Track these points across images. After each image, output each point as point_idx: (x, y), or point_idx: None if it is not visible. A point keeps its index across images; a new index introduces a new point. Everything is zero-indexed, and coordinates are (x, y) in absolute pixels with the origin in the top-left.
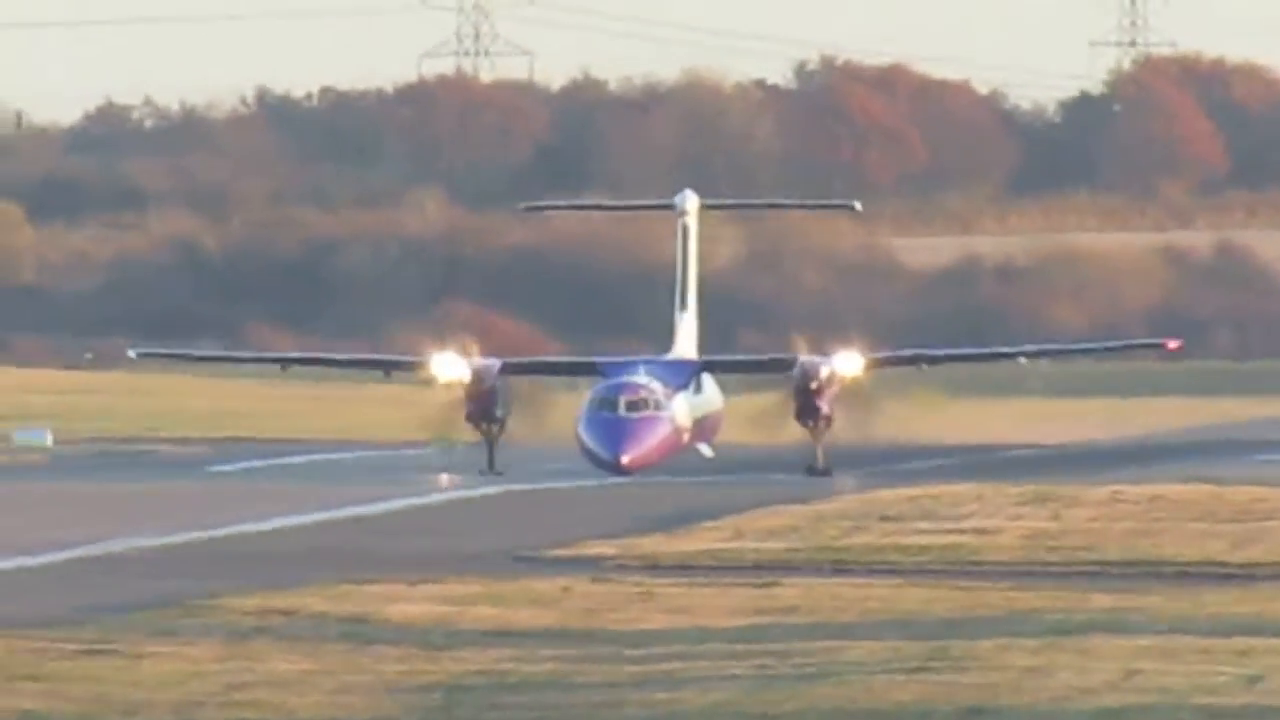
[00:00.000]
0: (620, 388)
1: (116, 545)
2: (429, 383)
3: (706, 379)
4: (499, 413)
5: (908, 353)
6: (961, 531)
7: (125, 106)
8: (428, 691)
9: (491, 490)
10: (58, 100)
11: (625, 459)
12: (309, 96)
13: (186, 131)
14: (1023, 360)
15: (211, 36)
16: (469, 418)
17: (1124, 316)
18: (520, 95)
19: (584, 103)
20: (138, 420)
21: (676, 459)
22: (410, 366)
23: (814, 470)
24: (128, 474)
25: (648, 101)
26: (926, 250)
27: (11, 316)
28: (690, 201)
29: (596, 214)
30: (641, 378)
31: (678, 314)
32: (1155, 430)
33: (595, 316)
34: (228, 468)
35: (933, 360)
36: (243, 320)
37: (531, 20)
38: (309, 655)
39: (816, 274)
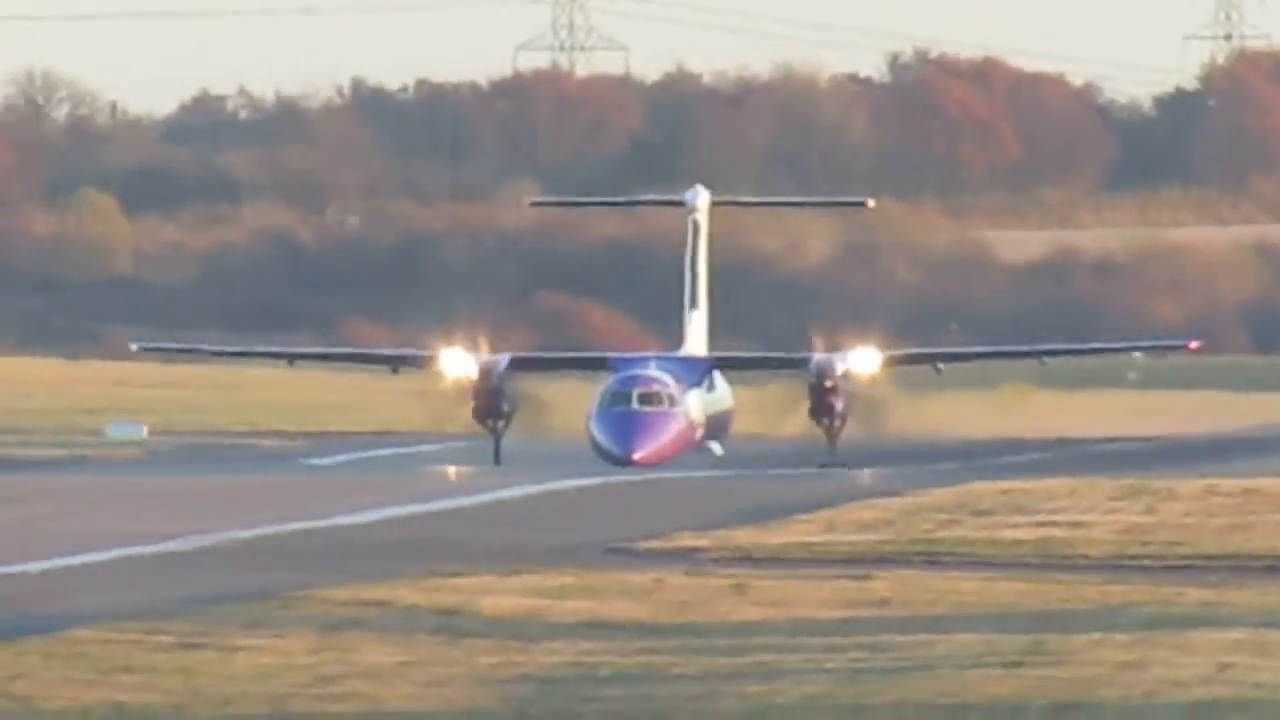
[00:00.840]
0: (634, 381)
1: (211, 538)
2: (437, 379)
3: (718, 377)
4: (505, 408)
5: (925, 350)
6: (1055, 525)
7: (220, 97)
8: (520, 683)
9: (586, 482)
10: (153, 91)
11: (637, 454)
12: (404, 89)
13: (281, 123)
14: (1044, 360)
15: (307, 28)
16: (475, 414)
17: (1219, 310)
18: (614, 89)
19: (678, 96)
20: (233, 413)
21: (687, 457)
22: (418, 362)
23: (829, 465)
24: (223, 467)
25: (742, 95)
26: (1021, 244)
27: (106, 308)
28: (701, 198)
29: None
30: (655, 372)
31: (688, 312)
32: (1250, 424)
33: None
34: (324, 461)
35: (950, 359)
36: (338, 314)
37: (626, 14)
38: (401, 647)
39: (910, 268)
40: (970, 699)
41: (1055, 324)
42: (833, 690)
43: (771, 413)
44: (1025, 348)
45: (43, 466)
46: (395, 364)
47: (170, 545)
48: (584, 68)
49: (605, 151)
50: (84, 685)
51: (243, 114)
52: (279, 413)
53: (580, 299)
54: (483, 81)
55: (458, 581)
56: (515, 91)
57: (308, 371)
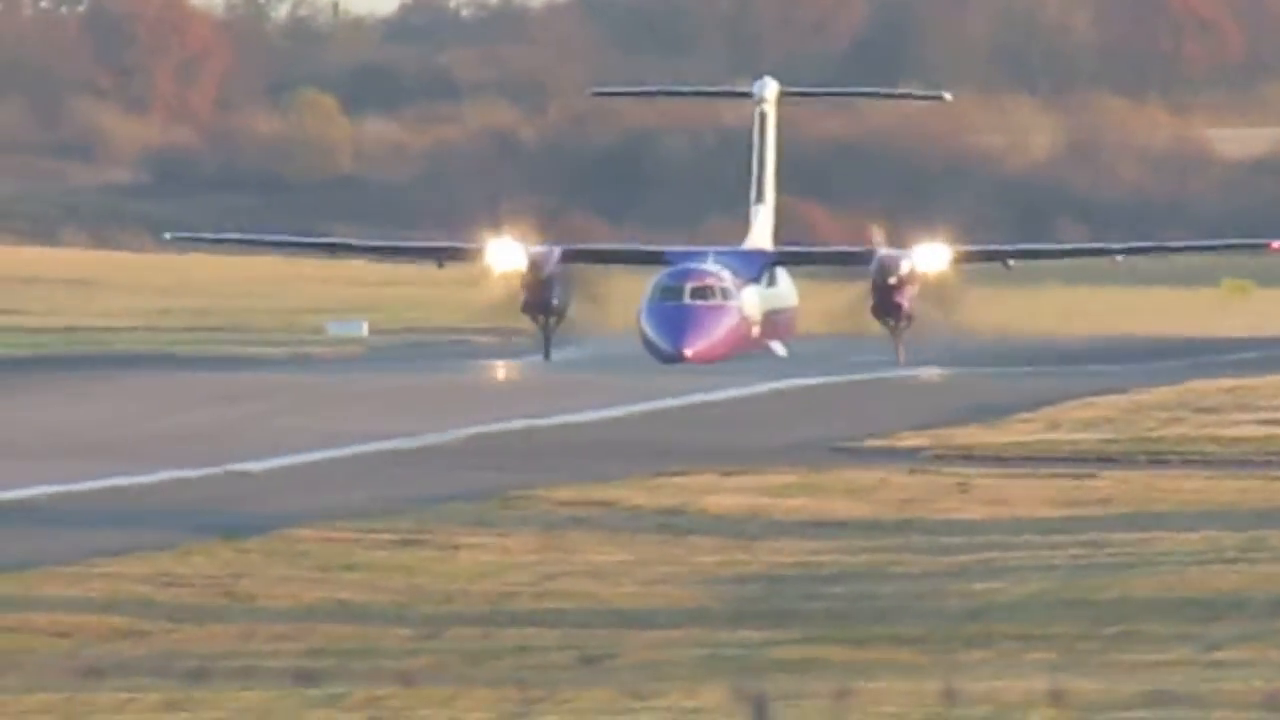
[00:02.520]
0: (686, 274)
1: (431, 437)
2: (485, 271)
3: (781, 274)
4: (556, 303)
5: (993, 248)
6: (1278, 423)
7: None
8: (742, 582)
9: (811, 381)
10: None
11: (689, 350)
12: None
13: (503, 21)
14: (1118, 259)
15: None
16: (525, 308)
17: None
18: None
19: None
20: (453, 312)
21: (747, 357)
22: (466, 254)
23: (895, 366)
24: (443, 365)
25: None
26: (1243, 141)
27: (328, 207)
28: (769, 89)
29: (913, 103)
30: (710, 265)
31: (754, 205)
32: None
33: (909, 207)
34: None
35: (1020, 255)
36: (560, 212)
37: None
38: (624, 547)
39: (1132, 165)
40: (1193, 594)
41: (1277, 221)
42: (1055, 587)
43: (842, 318)
44: (1102, 245)
45: (265, 364)
46: (441, 256)
47: (390, 444)
48: None
49: (828, 49)
50: (306, 583)
51: (464, 12)
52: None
53: (804, 198)
54: None
55: (680, 480)
56: None
57: None
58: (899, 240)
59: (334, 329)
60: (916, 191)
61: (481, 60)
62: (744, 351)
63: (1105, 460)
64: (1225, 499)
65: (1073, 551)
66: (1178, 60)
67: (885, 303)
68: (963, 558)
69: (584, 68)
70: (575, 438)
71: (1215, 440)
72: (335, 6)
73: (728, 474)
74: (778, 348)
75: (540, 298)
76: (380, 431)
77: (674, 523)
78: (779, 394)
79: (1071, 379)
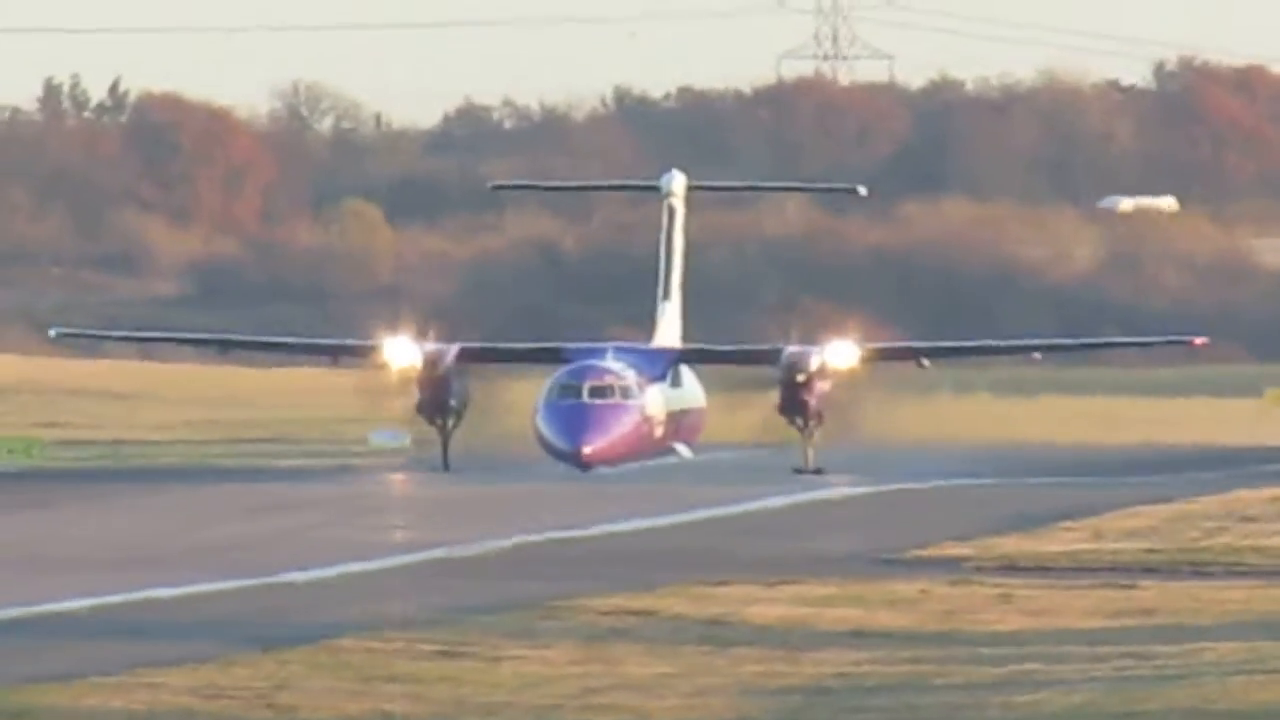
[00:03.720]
0: (584, 371)
1: (474, 547)
2: (380, 369)
3: (686, 373)
4: (453, 403)
5: (904, 345)
6: None
7: (484, 107)
8: (786, 694)
9: (851, 491)
10: (417, 101)
11: (587, 449)
12: (667, 97)
13: (545, 132)
14: (1036, 355)
15: (570, 37)
16: (420, 408)
17: None
18: (879, 96)
19: (941, 104)
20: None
21: (650, 463)
22: (360, 351)
23: (802, 471)
24: (486, 475)
25: (1006, 102)
26: None
27: (370, 317)
28: (676, 182)
29: (956, 214)
30: (610, 362)
31: (660, 303)
32: None
33: (954, 316)
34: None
35: (933, 354)
36: (603, 322)
37: (889, 22)
38: (667, 658)
39: (1175, 275)
40: (1236, 706)
41: None
42: (1098, 699)
43: (755, 428)
44: (1019, 342)
45: (308, 476)
46: (335, 353)
47: (432, 554)
48: (847, 76)
49: (869, 159)
50: (348, 695)
51: (507, 124)
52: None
53: (846, 307)
54: (746, 89)
55: (723, 591)
56: (779, 99)
57: None
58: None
59: (376, 439)
60: (962, 299)
61: (523, 171)
62: (646, 453)
63: (1149, 570)
64: (1269, 609)
65: (1115, 663)
66: (1220, 170)
67: (792, 401)
68: (1005, 669)
69: (625, 178)
70: (616, 547)
71: (1259, 550)
72: (378, 118)
73: (770, 584)
74: (683, 449)
75: (436, 397)
76: (421, 541)
77: (717, 633)
78: (821, 504)
79: (1117, 489)
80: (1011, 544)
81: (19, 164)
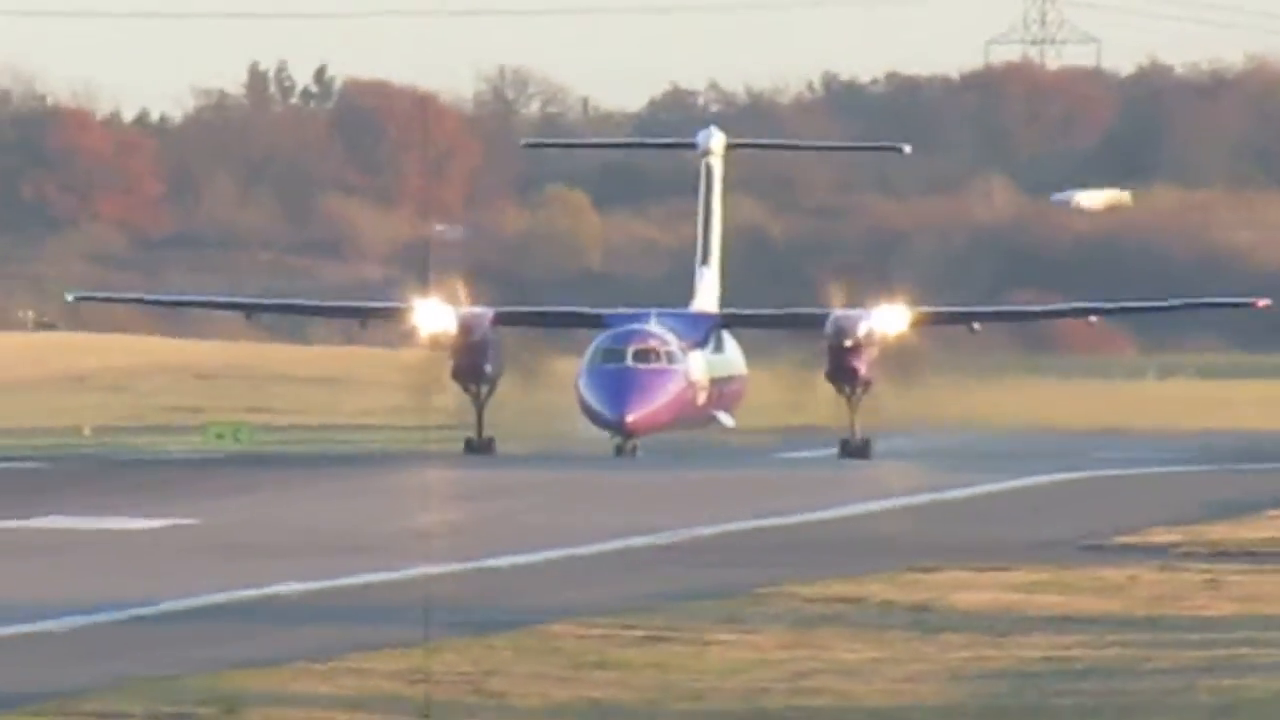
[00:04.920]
0: (628, 335)
1: (682, 533)
2: (411, 334)
3: (728, 339)
4: (489, 369)
5: (956, 310)
6: None
7: (691, 92)
8: (993, 679)
9: (1056, 477)
10: (624, 86)
11: (631, 417)
12: (874, 82)
13: (751, 117)
14: (1092, 319)
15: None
16: (455, 374)
17: None
18: (1087, 82)
19: (1150, 89)
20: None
21: (694, 432)
22: (390, 314)
23: (849, 447)
24: (696, 462)
25: (1214, 87)
26: None
27: (576, 302)
28: (715, 140)
29: (1164, 200)
30: (653, 327)
31: (698, 267)
32: None
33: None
34: (795, 455)
35: (986, 318)
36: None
37: (1097, 6)
38: (874, 643)
39: None
40: None
41: None
42: None
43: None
44: (1074, 305)
45: (518, 462)
46: (364, 316)
47: (642, 540)
48: (1055, 61)
49: (1076, 144)
50: (556, 681)
51: (713, 108)
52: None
53: (1054, 296)
54: (954, 74)
55: (929, 577)
56: (986, 84)
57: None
58: (1153, 343)
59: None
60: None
61: (729, 159)
62: (689, 421)
63: None
64: None
65: None
66: None
67: (840, 367)
68: (1213, 654)
69: (832, 163)
70: (822, 534)
71: None
72: (585, 103)
73: (977, 570)
74: (725, 418)
75: (472, 363)
76: (630, 528)
77: (924, 619)
78: (1027, 490)
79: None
80: (1220, 530)
81: (226, 150)
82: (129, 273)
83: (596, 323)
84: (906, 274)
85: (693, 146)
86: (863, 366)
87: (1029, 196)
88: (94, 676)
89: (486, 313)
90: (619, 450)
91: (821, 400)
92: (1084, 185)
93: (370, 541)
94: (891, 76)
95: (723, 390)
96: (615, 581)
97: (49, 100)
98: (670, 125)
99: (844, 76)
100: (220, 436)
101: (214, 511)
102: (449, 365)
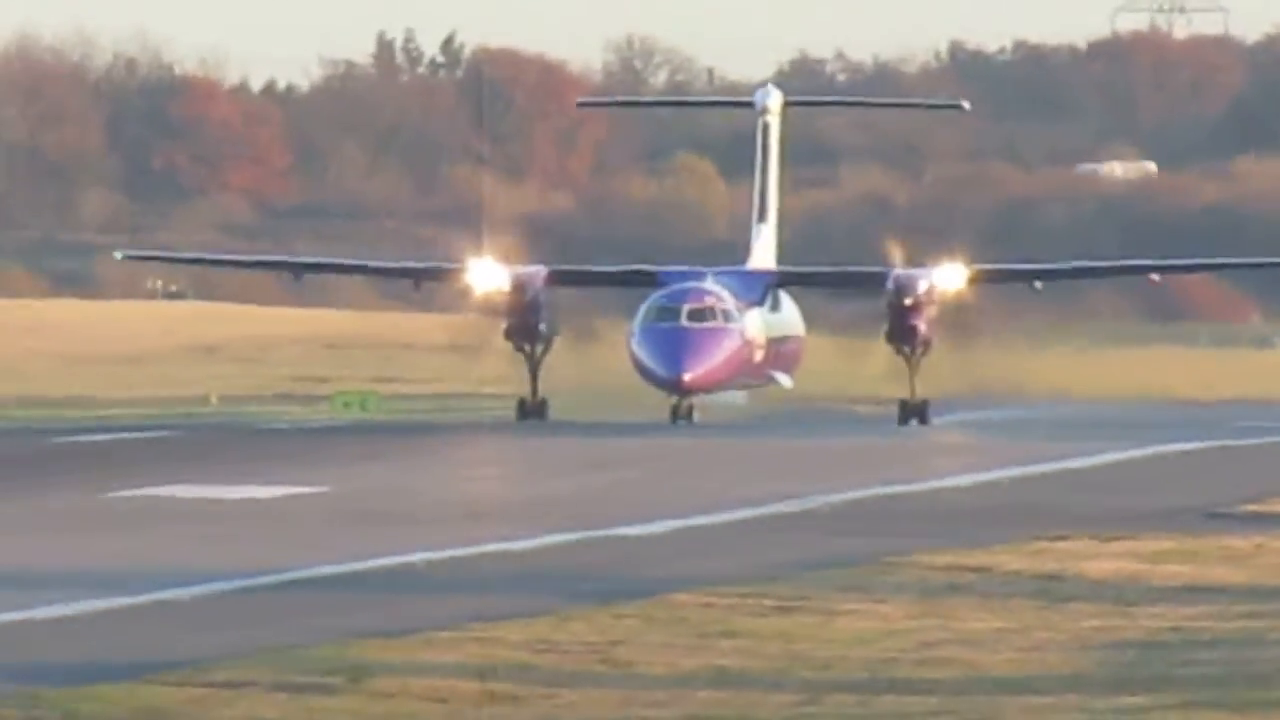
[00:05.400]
0: (683, 294)
1: (807, 501)
2: (464, 293)
3: (785, 299)
4: (543, 328)
5: (1016, 267)
6: None
7: (818, 61)
8: (1120, 648)
9: (1185, 446)
10: (751, 55)
11: (688, 376)
12: (1002, 51)
13: (878, 86)
14: (1155, 277)
15: None
16: (508, 334)
17: None
18: (1214, 50)
19: (1278, 56)
20: (831, 379)
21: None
22: (443, 275)
23: (908, 407)
24: (819, 430)
25: None
26: None
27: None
28: (772, 98)
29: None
30: (709, 285)
31: (755, 225)
32: None
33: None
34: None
35: (1049, 275)
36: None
37: None
38: (1001, 613)
39: None
40: None
41: None
42: None
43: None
44: (1134, 262)
45: (634, 430)
46: (418, 276)
47: (767, 509)
48: (1183, 29)
49: (1205, 113)
50: (684, 650)
51: (840, 78)
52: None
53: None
54: (1081, 43)
55: (1058, 546)
56: (1114, 53)
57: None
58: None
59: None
60: None
61: (857, 125)
62: (746, 381)
63: None
64: None
65: None
66: None
67: (900, 327)
68: None
69: (958, 132)
70: (949, 502)
71: None
72: (710, 72)
73: (1104, 540)
74: (782, 379)
75: (526, 322)
76: (757, 496)
77: (1052, 588)
78: (1154, 459)
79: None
80: None
81: (354, 119)
82: (257, 242)
83: (651, 281)
84: (1036, 240)
85: (750, 105)
86: (923, 325)
87: (1159, 166)
88: (221, 645)
89: (540, 271)
90: (675, 411)
91: (881, 367)
92: (1212, 154)
93: (497, 510)
94: (1019, 45)
95: (780, 350)
96: (740, 551)
97: (176, 70)
98: (797, 94)
99: (970, 45)
100: (347, 405)
101: (341, 479)
102: (501, 325)
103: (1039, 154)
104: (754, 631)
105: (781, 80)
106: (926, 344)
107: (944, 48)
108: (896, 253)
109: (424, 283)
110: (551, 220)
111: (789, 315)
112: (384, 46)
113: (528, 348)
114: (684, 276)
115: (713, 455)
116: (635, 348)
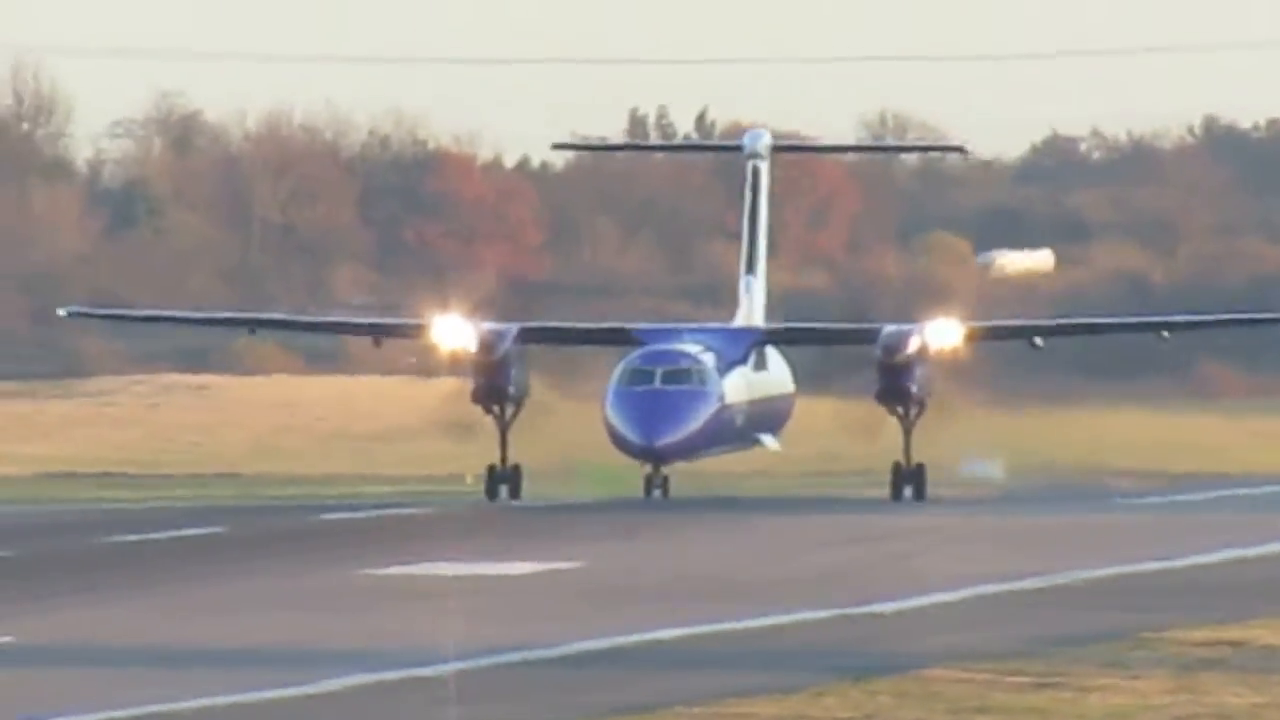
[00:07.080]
0: (659, 356)
1: (1060, 577)
2: (429, 352)
3: (773, 355)
4: (513, 390)
5: (1014, 324)
6: None
7: (1071, 138)
8: None
9: None
10: (1004, 132)
11: (660, 442)
12: (1256, 127)
13: (1133, 162)
14: (1165, 334)
15: (1158, 66)
16: (476, 397)
17: None
18: None
19: None
20: (1084, 452)
21: (733, 455)
22: (406, 331)
23: (901, 474)
24: (1072, 506)
25: None
26: None
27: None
28: (763, 142)
29: None
30: (686, 345)
31: (743, 277)
32: None
33: None
34: (1179, 498)
35: (1048, 332)
36: (1191, 356)
37: None
38: (1258, 688)
39: None
40: None
41: None
42: None
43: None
44: (1143, 318)
45: (884, 506)
46: (378, 334)
47: (1020, 584)
48: None
49: None
50: None
51: (1094, 155)
52: (1130, 450)
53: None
54: None
55: None
56: None
57: (1166, 414)
58: None
59: (967, 470)
60: None
61: (1111, 201)
62: (728, 446)
63: None
64: None
65: None
66: None
67: (892, 387)
68: None
69: (1213, 209)
70: (1206, 577)
71: None
72: (963, 149)
73: None
74: (769, 441)
75: (493, 383)
76: (1009, 572)
77: None
78: None
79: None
80: None
81: (607, 195)
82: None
83: (627, 339)
84: None
85: (739, 149)
86: (914, 385)
87: None
88: None
89: (510, 329)
90: (649, 481)
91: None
92: None
93: (749, 586)
94: (1273, 122)
95: (765, 411)
96: (994, 626)
97: (430, 145)
98: (1050, 171)
99: (1225, 120)
100: (600, 483)
101: (596, 555)
102: (469, 388)
103: None
104: (1008, 707)
105: (1035, 158)
106: (921, 405)
107: (1198, 123)
108: (887, 309)
109: (385, 340)
110: (805, 296)
111: (776, 373)
112: (637, 123)
113: (496, 409)
114: (662, 335)
115: (956, 532)
116: (608, 413)
